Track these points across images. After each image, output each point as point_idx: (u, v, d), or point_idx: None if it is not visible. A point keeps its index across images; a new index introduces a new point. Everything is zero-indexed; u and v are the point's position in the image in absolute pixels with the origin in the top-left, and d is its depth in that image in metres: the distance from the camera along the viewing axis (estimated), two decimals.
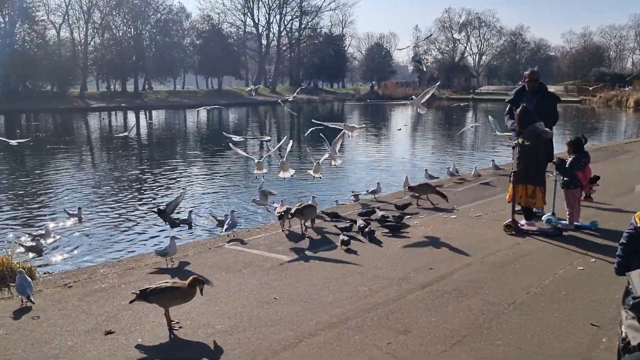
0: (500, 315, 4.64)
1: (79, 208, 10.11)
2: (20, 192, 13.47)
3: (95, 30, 69.72)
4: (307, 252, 6.62)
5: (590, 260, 6.07)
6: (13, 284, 5.23)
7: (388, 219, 7.64)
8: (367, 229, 7.19)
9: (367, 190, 10.24)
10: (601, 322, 4.43)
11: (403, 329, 4.40)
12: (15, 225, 10.16)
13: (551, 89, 10.66)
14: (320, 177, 9.88)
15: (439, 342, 4.16)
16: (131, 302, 4.60)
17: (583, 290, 5.17)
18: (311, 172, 9.31)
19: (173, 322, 4.53)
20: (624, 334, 2.86)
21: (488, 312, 4.71)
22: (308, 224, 7.60)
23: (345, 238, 6.78)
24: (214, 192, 13.30)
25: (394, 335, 4.29)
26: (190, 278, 4.47)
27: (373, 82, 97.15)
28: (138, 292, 4.50)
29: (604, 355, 3.88)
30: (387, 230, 7.43)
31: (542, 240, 6.92)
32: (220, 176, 15.76)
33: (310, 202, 7.92)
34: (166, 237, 7.81)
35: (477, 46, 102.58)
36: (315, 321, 4.57)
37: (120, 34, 71.13)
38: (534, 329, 4.36)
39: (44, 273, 6.30)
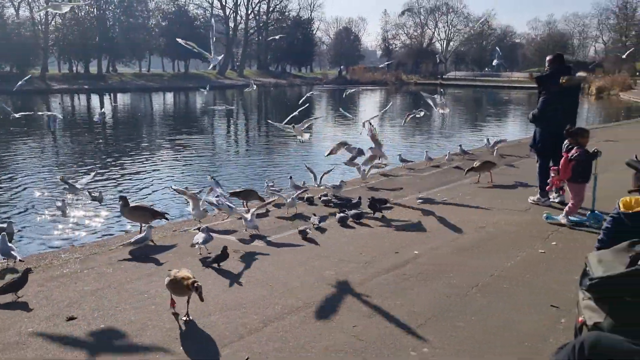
0: (464, 298, 4.71)
1: (100, 192, 9.87)
2: None
3: None
4: (273, 237, 6.60)
5: (552, 243, 6.22)
6: None
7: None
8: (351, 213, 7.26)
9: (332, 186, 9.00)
10: (560, 303, 4.54)
11: (368, 312, 4.43)
12: None
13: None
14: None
15: (404, 325, 4.20)
16: None
17: (544, 273, 5.29)
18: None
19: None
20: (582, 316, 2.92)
21: (452, 294, 4.78)
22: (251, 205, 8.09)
23: (311, 225, 6.81)
24: (185, 174, 13.14)
25: (360, 318, 4.31)
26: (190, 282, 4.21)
27: (341, 67, 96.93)
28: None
29: (563, 335, 3.98)
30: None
31: (506, 224, 7.05)
32: (190, 158, 15.56)
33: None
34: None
35: (445, 32, 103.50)
36: (281, 305, 4.57)
37: (83, 14, 69.11)
38: (497, 311, 4.45)
39: (3, 259, 6.11)
